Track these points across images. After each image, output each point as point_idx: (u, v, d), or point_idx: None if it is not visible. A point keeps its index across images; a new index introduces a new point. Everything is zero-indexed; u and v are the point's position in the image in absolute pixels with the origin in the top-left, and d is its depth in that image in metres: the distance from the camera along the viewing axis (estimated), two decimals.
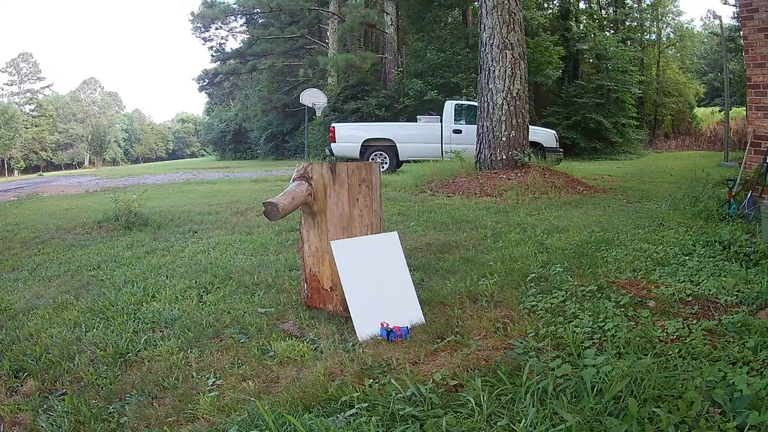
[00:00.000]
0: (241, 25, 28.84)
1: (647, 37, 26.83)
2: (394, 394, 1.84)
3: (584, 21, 24.77)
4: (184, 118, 73.97)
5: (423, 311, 2.69)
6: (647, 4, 26.03)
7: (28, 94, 54.95)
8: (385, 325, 2.45)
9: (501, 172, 7.57)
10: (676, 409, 1.58)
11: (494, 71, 7.63)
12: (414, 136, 12.58)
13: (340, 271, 2.58)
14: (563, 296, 2.77)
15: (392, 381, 1.97)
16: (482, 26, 7.78)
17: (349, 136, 12.93)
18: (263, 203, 2.51)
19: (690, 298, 2.64)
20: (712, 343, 2.11)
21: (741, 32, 6.05)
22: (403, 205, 6.40)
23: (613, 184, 8.36)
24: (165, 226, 5.50)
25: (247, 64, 25.92)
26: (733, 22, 17.48)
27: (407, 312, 2.58)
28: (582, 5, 25.50)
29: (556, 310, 2.60)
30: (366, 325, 2.45)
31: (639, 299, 2.64)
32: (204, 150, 54.66)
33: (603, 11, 25.36)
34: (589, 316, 2.46)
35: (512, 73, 7.59)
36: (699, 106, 29.71)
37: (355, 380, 2.01)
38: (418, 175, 8.60)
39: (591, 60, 25.03)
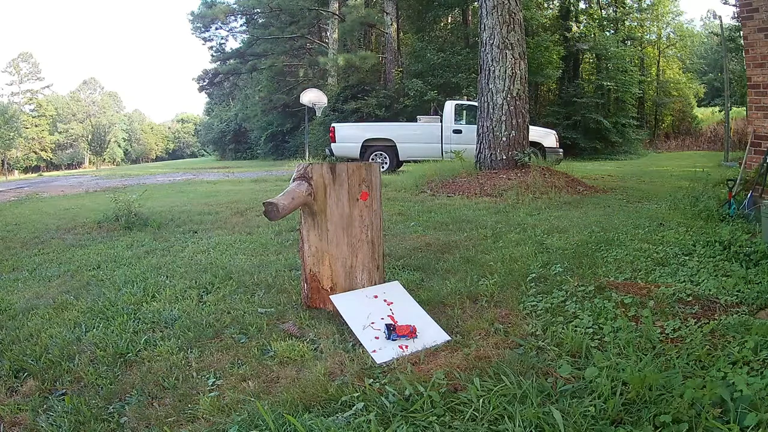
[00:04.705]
0: (241, 25, 28.84)
1: (647, 36, 26.84)
2: (394, 393, 1.84)
3: (584, 21, 24.77)
4: (184, 118, 73.98)
5: (424, 310, 2.69)
6: (647, 4, 26.03)
7: (28, 94, 54.95)
8: (388, 323, 2.43)
9: (501, 172, 7.57)
10: (676, 410, 1.58)
11: (494, 71, 7.63)
12: (414, 136, 12.58)
13: (345, 317, 2.52)
14: (563, 296, 2.77)
15: (392, 381, 1.97)
16: (482, 26, 7.77)
17: (349, 136, 12.94)
18: (263, 203, 2.51)
19: (690, 298, 2.64)
20: (712, 343, 2.11)
21: (741, 32, 6.05)
22: (403, 205, 6.40)
23: (613, 184, 8.35)
24: (165, 226, 5.49)
25: (247, 64, 25.93)
26: (733, 22, 17.47)
27: (428, 336, 2.40)
28: (582, 5, 25.50)
29: (557, 310, 2.60)
30: (384, 354, 2.25)
31: (639, 299, 2.64)
32: (204, 150, 54.66)
33: (603, 11, 25.36)
34: (589, 316, 2.46)
35: (512, 73, 7.59)
36: (699, 106, 29.71)
37: (355, 380, 2.01)
38: (418, 175, 8.60)
39: (591, 60, 25.05)
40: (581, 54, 24.04)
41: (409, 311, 2.61)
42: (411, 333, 2.37)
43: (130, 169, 26.70)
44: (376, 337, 2.36)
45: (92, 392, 2.06)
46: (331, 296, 2.69)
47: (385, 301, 2.68)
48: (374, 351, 2.24)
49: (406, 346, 2.30)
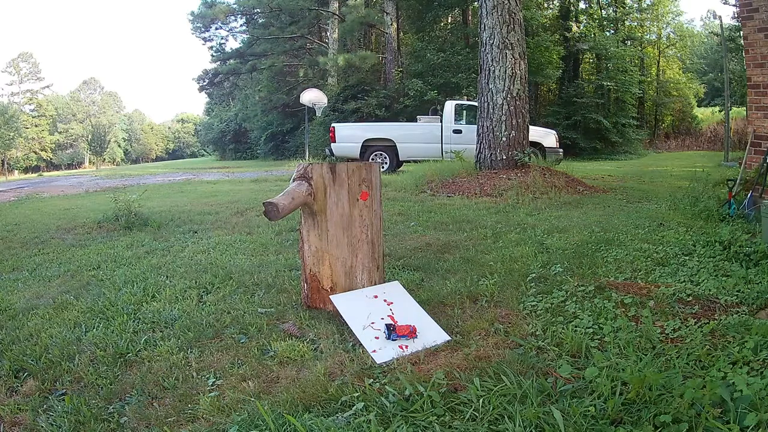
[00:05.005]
0: (241, 25, 28.83)
1: (647, 36, 26.85)
2: (394, 393, 1.84)
3: (584, 21, 24.78)
4: (184, 118, 73.97)
5: (424, 310, 2.69)
6: (647, 4, 26.04)
7: (28, 94, 54.96)
8: (388, 324, 2.42)
9: (501, 172, 7.57)
10: (676, 410, 1.58)
11: (494, 71, 7.63)
12: (414, 136, 12.58)
13: (345, 317, 2.52)
14: (563, 296, 2.77)
15: (392, 381, 1.97)
16: (482, 26, 7.77)
17: (349, 136, 12.93)
18: (263, 203, 2.51)
19: (690, 298, 2.64)
20: (712, 343, 2.11)
21: (741, 32, 6.05)
22: (403, 205, 6.40)
23: (613, 184, 8.35)
24: (165, 226, 5.49)
25: (247, 64, 25.93)
26: (733, 22, 17.48)
27: (428, 336, 2.39)
28: (582, 5, 25.52)
29: (557, 310, 2.60)
30: (384, 354, 2.24)
31: (639, 299, 2.64)
32: (204, 150, 54.65)
33: (603, 11, 25.37)
34: (589, 316, 2.46)
35: (512, 73, 7.59)
36: (699, 106, 29.73)
37: (355, 380, 2.01)
38: (418, 175, 8.60)
39: (591, 60, 25.06)
40: (581, 54, 24.06)
41: (409, 311, 2.61)
42: (411, 333, 2.37)
43: (130, 169, 26.71)
44: (376, 337, 2.36)
45: (92, 392, 2.06)
46: (331, 296, 2.69)
47: (385, 301, 2.67)
48: (374, 351, 2.24)
49: (406, 346, 2.29)
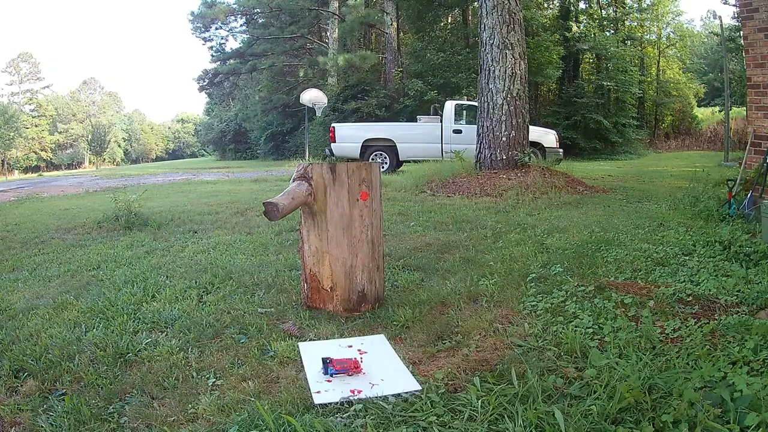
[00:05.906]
0: (241, 25, 28.82)
1: (647, 36, 26.85)
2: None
3: (584, 21, 24.79)
4: (184, 118, 73.97)
5: (422, 311, 2.69)
6: (647, 4, 26.04)
7: (28, 94, 54.98)
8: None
9: (501, 172, 7.57)
10: (675, 410, 1.58)
11: (494, 71, 7.63)
12: (414, 136, 12.58)
13: (305, 364, 2.14)
14: (563, 296, 2.77)
15: None
16: (482, 26, 7.78)
17: (349, 136, 12.94)
18: (263, 203, 2.52)
19: (690, 298, 2.64)
20: (712, 343, 2.11)
21: (741, 32, 6.05)
22: (403, 205, 6.40)
23: (613, 184, 8.35)
24: (165, 226, 5.49)
25: (247, 64, 25.92)
26: (733, 22, 17.48)
27: (396, 382, 2.01)
28: (582, 5, 25.52)
29: (557, 311, 2.60)
30: (327, 396, 1.93)
31: (639, 299, 2.64)
32: (204, 150, 54.64)
33: (603, 11, 25.37)
34: (589, 316, 2.46)
35: (512, 73, 7.59)
36: (699, 106, 29.71)
37: None
38: (418, 175, 8.60)
39: (591, 60, 25.06)
40: (581, 54, 24.05)
41: (383, 363, 2.16)
42: (352, 367, 1.99)
43: (130, 169, 26.69)
44: (328, 380, 2.03)
45: (92, 392, 2.06)
46: (299, 343, 2.33)
47: (359, 350, 2.31)
48: (317, 392, 1.94)
49: (359, 391, 1.94)
